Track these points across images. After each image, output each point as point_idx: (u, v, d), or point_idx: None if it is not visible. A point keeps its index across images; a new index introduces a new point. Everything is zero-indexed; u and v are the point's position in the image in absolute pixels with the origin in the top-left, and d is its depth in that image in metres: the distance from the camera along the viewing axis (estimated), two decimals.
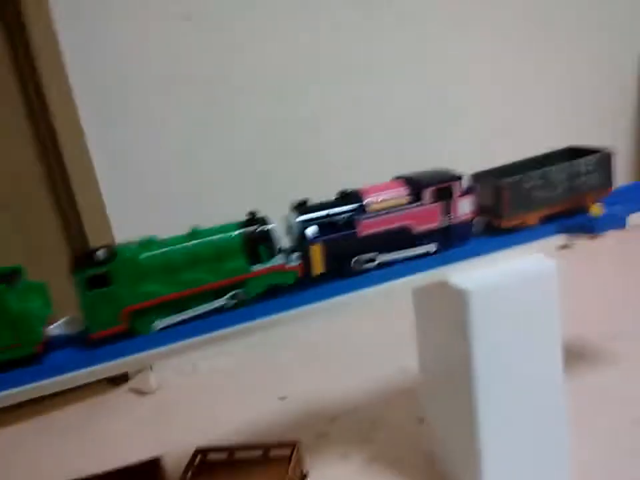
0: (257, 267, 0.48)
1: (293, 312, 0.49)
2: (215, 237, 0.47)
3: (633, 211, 0.55)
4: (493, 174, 0.58)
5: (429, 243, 0.52)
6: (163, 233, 0.49)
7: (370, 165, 0.87)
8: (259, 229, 0.48)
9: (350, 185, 0.53)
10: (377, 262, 0.51)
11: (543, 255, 0.52)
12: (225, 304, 0.48)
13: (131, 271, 0.45)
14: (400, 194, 0.52)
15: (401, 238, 0.51)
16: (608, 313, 0.91)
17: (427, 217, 0.52)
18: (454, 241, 0.53)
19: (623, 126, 1.30)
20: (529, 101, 1.18)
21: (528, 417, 0.53)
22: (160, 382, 0.90)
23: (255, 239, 0.48)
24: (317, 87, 0.99)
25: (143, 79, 0.87)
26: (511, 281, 0.50)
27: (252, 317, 0.48)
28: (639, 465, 0.59)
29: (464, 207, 0.53)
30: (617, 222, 0.53)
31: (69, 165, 0.83)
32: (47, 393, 0.45)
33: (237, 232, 0.48)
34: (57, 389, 0.45)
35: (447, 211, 0.52)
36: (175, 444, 0.70)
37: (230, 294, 0.47)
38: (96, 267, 0.44)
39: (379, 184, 0.54)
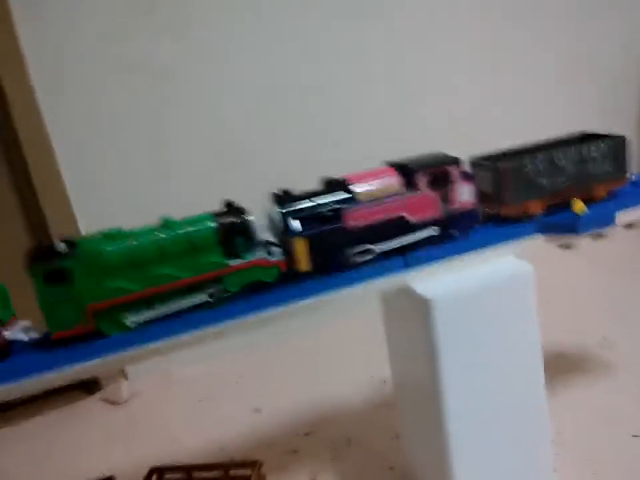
0: (235, 262, 0.43)
1: (268, 312, 0.45)
2: (187, 229, 0.43)
3: (622, 208, 0.49)
4: (494, 158, 0.53)
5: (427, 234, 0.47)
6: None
7: (347, 156, 0.82)
8: (235, 220, 0.44)
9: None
10: (370, 255, 0.46)
11: (518, 258, 0.47)
12: (199, 302, 0.43)
13: (94, 265, 0.41)
14: (391, 181, 0.47)
15: (396, 229, 0.46)
16: (599, 317, 0.87)
17: (423, 206, 0.47)
18: (456, 232, 0.48)
19: (622, 117, 1.25)
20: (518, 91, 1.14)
21: (506, 433, 0.48)
22: (133, 391, 0.87)
23: (231, 231, 0.44)
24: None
25: (102, 71, 0.83)
26: (480, 286, 0.45)
27: (230, 316, 0.44)
28: None
29: (464, 194, 0.48)
30: (603, 220, 0.47)
31: (31, 164, 0.80)
32: (4, 398, 0.41)
33: (211, 223, 0.43)
34: (17, 394, 0.41)
35: (446, 199, 0.47)
36: (138, 459, 0.67)
37: (205, 291, 0.43)
38: (54, 261, 0.40)
39: (367, 171, 0.48)
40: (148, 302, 0.42)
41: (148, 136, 0.87)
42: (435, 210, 0.47)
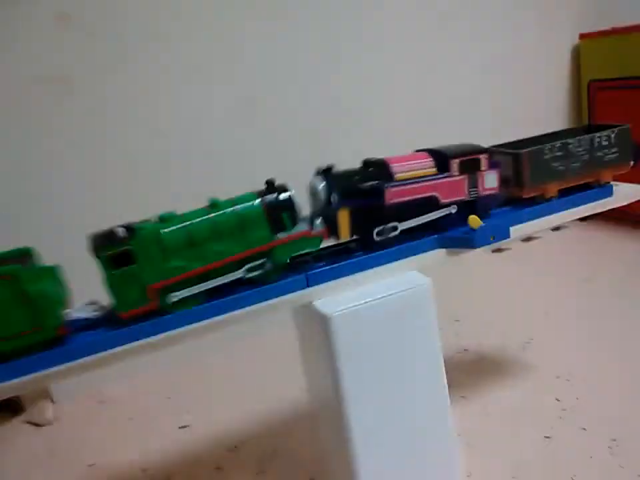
0: (282, 235, 0.47)
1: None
2: (236, 207, 0.46)
3: (515, 223, 0.51)
4: (513, 146, 0.58)
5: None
6: None
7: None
8: (279, 197, 0.47)
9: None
10: (399, 229, 0.50)
11: (417, 272, 0.48)
12: (251, 274, 0.46)
13: (154, 247, 0.43)
14: (426, 164, 0.51)
15: (427, 209, 0.50)
16: (524, 319, 0.90)
17: (454, 189, 0.51)
18: (479, 213, 0.51)
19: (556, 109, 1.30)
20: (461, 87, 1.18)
21: (411, 442, 0.49)
22: (61, 412, 0.84)
23: (276, 207, 0.47)
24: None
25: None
26: (379, 301, 0.45)
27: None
28: None
29: (490, 180, 0.53)
30: (498, 234, 0.49)
31: None
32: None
33: (257, 201, 0.46)
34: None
35: (474, 184, 0.52)
36: None
37: (257, 263, 0.46)
38: (118, 245, 0.42)
39: (404, 155, 0.52)
40: (206, 278, 0.45)
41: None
42: (462, 192, 0.52)
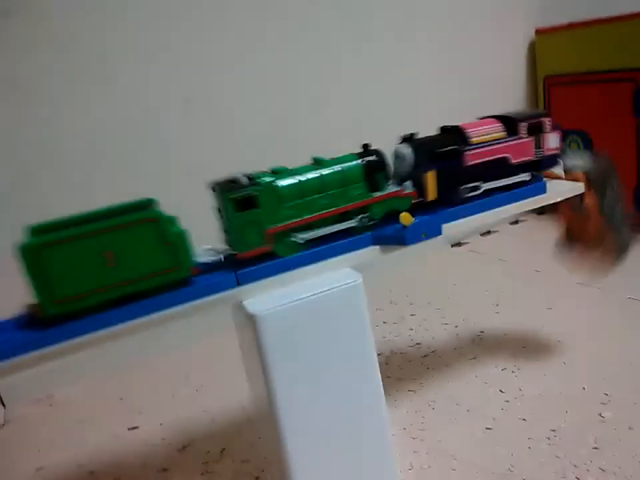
0: (378, 193, 0.52)
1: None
2: (341, 166, 0.50)
3: (448, 220, 0.52)
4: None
5: (524, 173, 0.58)
6: None
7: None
8: (376, 158, 0.52)
9: None
10: (481, 189, 0.55)
11: (350, 269, 0.49)
12: (354, 225, 0.51)
13: (272, 195, 0.47)
14: (496, 129, 0.57)
15: (500, 168, 0.56)
16: (477, 312, 0.92)
17: (523, 150, 0.57)
18: (544, 170, 0.59)
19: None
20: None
21: (347, 440, 0.49)
22: (9, 415, 0.83)
23: (373, 168, 0.51)
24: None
25: None
26: (308, 299, 0.45)
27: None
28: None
29: (552, 141, 0.59)
30: (430, 231, 0.49)
31: None
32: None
33: (358, 161, 0.51)
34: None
35: (538, 145, 0.58)
36: None
37: (357, 217, 0.51)
38: (245, 189, 0.46)
39: (475, 121, 0.58)
40: (311, 227, 0.50)
41: None
42: (530, 153, 0.58)
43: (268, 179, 0.48)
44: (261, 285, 0.47)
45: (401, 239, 0.49)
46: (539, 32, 1.29)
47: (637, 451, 0.58)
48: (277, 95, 1.02)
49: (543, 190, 0.58)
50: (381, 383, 0.50)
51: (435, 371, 0.78)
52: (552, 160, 0.61)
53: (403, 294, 1.07)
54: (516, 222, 1.32)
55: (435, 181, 0.54)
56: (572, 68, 1.23)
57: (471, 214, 0.54)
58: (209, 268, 0.48)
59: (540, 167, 0.60)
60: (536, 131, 0.58)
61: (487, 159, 0.55)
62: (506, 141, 0.56)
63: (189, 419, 0.75)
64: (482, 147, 0.55)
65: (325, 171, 0.49)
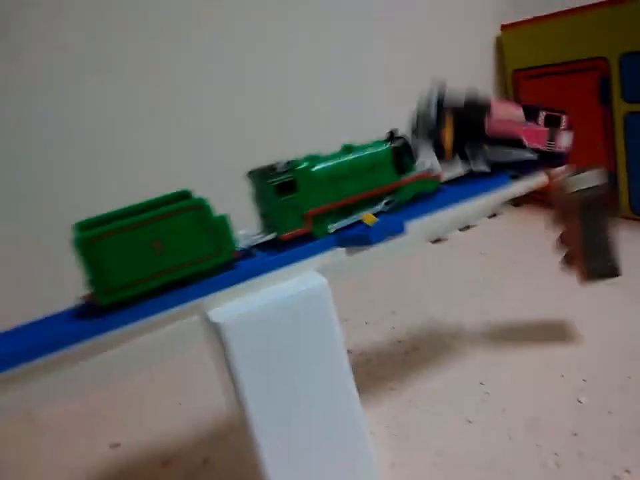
0: (405, 176, 0.54)
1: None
2: (370, 151, 0.53)
3: (412, 218, 0.52)
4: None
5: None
6: None
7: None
8: (403, 143, 0.55)
9: None
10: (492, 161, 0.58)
11: (315, 272, 0.49)
12: (382, 208, 0.54)
13: (309, 180, 0.50)
14: (518, 112, 0.60)
15: (514, 147, 0.59)
16: (458, 307, 0.92)
17: (537, 136, 0.60)
18: (549, 164, 0.61)
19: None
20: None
21: (322, 442, 0.49)
22: None
23: (400, 152, 0.54)
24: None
25: None
26: (273, 305, 0.45)
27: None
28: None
29: (565, 139, 0.61)
30: (393, 230, 0.50)
31: None
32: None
33: (386, 146, 0.54)
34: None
35: (552, 137, 0.60)
36: None
37: (385, 200, 0.54)
38: (285, 174, 0.49)
39: (501, 100, 0.62)
40: (344, 210, 0.53)
41: None
42: (543, 142, 0.60)
43: (304, 164, 0.50)
44: (226, 294, 0.47)
45: (366, 238, 0.49)
46: (504, 27, 1.31)
47: (615, 436, 0.58)
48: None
49: (508, 182, 0.59)
50: (354, 383, 0.50)
51: (416, 367, 0.78)
52: (561, 157, 0.62)
53: (384, 293, 1.07)
54: (494, 215, 1.33)
55: (452, 136, 0.56)
56: (539, 61, 1.24)
57: (439, 209, 0.54)
58: (249, 252, 0.51)
59: (549, 160, 0.61)
60: (552, 123, 0.61)
61: (505, 133, 0.58)
62: (524, 123, 0.59)
63: (172, 433, 0.74)
64: (504, 121, 0.58)
65: (356, 156, 0.52)
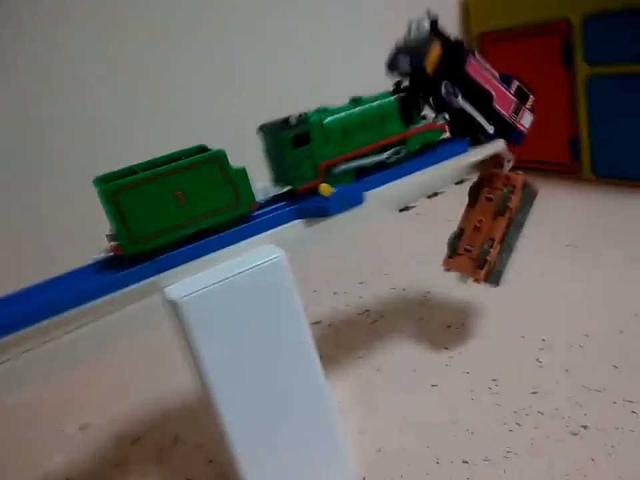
0: (413, 127, 0.55)
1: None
2: (378, 102, 0.53)
3: (370, 188, 0.52)
4: None
5: (492, 124, 0.60)
6: None
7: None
8: (408, 94, 0.55)
9: None
10: (459, 99, 0.57)
11: (273, 245, 0.48)
12: (389, 157, 0.54)
13: (321, 131, 0.51)
14: (496, 73, 0.60)
15: (483, 102, 0.59)
16: (423, 275, 0.92)
17: (506, 102, 0.60)
18: (506, 138, 0.62)
19: None
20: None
21: (288, 416, 0.50)
22: None
23: (406, 103, 0.55)
24: None
25: None
26: (230, 280, 0.44)
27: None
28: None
29: (526, 120, 0.62)
30: (351, 200, 0.49)
31: None
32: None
33: (393, 97, 0.54)
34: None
35: (516, 111, 0.61)
36: None
37: (394, 149, 0.54)
38: (300, 127, 0.50)
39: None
40: (353, 161, 0.53)
41: None
42: (508, 110, 0.60)
43: (316, 117, 0.50)
44: (182, 270, 0.46)
45: (323, 210, 0.48)
46: None
47: (573, 393, 0.60)
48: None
49: (465, 148, 0.58)
50: (317, 353, 0.50)
51: (384, 335, 0.79)
52: (519, 137, 0.62)
53: (351, 263, 1.07)
54: (461, 182, 1.34)
55: (438, 56, 0.55)
56: (504, 24, 1.23)
57: (395, 178, 0.54)
58: (266, 203, 0.51)
59: (507, 134, 0.61)
60: (520, 97, 0.61)
61: (481, 81, 0.58)
62: (500, 83, 0.59)
63: (142, 412, 0.74)
64: (481, 67, 0.58)
65: (365, 108, 0.53)
